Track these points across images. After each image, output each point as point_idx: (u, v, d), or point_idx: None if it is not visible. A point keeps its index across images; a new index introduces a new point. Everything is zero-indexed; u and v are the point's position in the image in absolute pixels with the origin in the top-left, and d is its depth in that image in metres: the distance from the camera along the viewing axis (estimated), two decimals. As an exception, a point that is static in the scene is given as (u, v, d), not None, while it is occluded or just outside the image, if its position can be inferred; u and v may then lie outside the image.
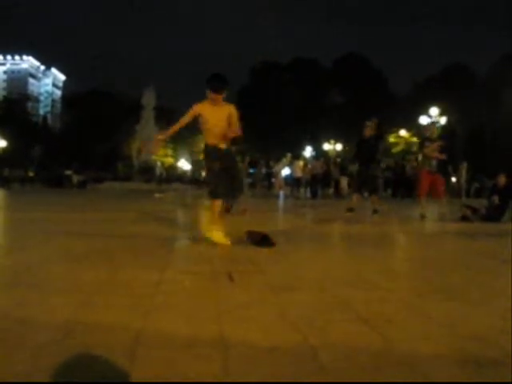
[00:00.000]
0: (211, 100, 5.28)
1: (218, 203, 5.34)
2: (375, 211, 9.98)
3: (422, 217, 9.33)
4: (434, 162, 9.43)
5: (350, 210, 9.91)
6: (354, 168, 13.09)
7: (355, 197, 10.30)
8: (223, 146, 5.38)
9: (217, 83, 5.27)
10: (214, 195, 5.34)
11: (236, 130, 5.35)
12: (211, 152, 5.38)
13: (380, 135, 10.72)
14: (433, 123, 12.08)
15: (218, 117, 5.32)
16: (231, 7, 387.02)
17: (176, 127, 5.46)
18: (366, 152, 10.14)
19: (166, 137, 5.83)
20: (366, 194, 11.24)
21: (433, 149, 9.45)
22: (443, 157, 9.38)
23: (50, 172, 42.60)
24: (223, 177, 5.33)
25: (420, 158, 10.39)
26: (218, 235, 5.25)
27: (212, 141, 5.39)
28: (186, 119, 5.42)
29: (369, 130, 10.14)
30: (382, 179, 24.15)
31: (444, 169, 9.59)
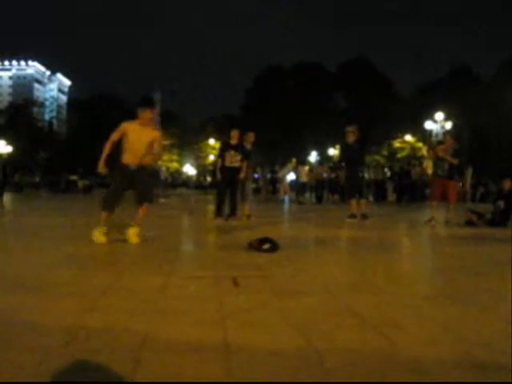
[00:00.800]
0: (144, 120, 5.80)
1: (105, 214, 5.85)
2: (364, 216, 10.00)
3: (429, 221, 9.29)
4: (447, 166, 9.35)
5: (352, 216, 9.89)
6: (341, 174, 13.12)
7: (353, 202, 10.28)
8: (135, 164, 5.80)
9: (152, 102, 6.21)
10: (102, 208, 5.88)
11: (158, 155, 6.11)
12: (120, 170, 5.84)
13: (362, 140, 10.76)
14: (447, 132, 12.00)
15: (141, 138, 5.77)
16: (231, 7, 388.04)
17: (108, 147, 5.85)
18: (352, 157, 10.24)
19: (104, 161, 5.96)
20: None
21: (444, 149, 9.40)
22: (455, 161, 9.32)
23: (56, 177, 42.73)
24: (120, 193, 5.91)
25: (425, 162, 10.38)
26: (98, 235, 5.72)
27: (127, 160, 5.82)
28: (115, 137, 5.85)
29: (351, 136, 10.20)
30: (393, 184, 24.19)
31: (453, 173, 9.47)
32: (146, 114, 5.78)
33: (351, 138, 10.23)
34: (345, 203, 12.85)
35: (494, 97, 44.37)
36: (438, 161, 9.63)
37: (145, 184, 5.95)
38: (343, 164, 11.21)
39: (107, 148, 5.82)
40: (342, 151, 10.96)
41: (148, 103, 6.00)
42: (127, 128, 5.81)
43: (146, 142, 5.75)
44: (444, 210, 9.86)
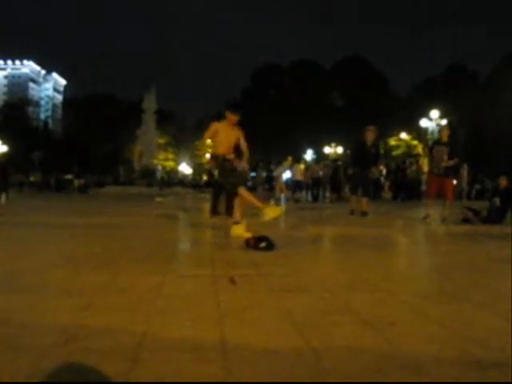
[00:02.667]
0: (231, 121, 6.74)
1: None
2: (364, 213, 10.05)
3: (425, 218, 9.33)
4: (444, 164, 9.41)
5: (352, 212, 9.98)
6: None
7: (354, 199, 10.35)
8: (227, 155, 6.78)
9: (239, 109, 7.13)
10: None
11: (245, 152, 6.94)
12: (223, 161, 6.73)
13: (378, 142, 10.78)
14: (445, 126, 11.90)
15: (229, 136, 6.76)
16: (231, 6, 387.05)
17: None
18: (366, 157, 10.26)
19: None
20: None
21: (442, 154, 9.45)
22: (452, 163, 9.37)
23: (51, 176, 42.59)
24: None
25: (421, 160, 10.42)
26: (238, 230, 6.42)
27: (222, 151, 6.70)
28: (209, 135, 6.87)
29: (370, 135, 10.22)
30: (388, 182, 24.25)
31: (449, 171, 9.52)
32: (234, 117, 6.72)
33: (370, 137, 10.23)
34: (344, 200, 12.89)
35: (490, 94, 44.49)
36: (434, 160, 9.67)
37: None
38: (349, 162, 11.27)
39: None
40: (358, 149, 10.90)
41: (237, 109, 7.13)
42: (217, 126, 6.76)
43: (233, 140, 6.77)
44: (440, 207, 9.89)
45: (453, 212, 9.71)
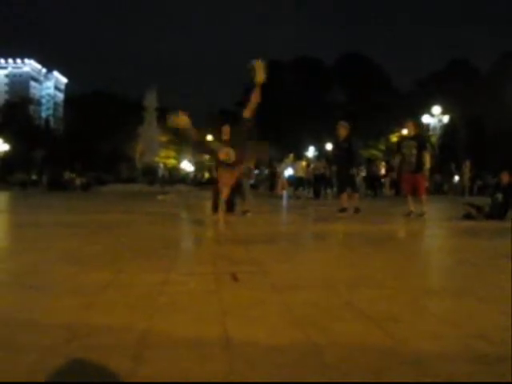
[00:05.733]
0: None
1: None
2: (357, 210, 10.03)
3: (408, 215, 9.40)
4: (413, 160, 9.47)
5: (343, 210, 9.94)
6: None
7: (343, 197, 10.32)
8: None
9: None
10: None
11: None
12: None
13: (351, 137, 10.58)
14: (412, 120, 11.75)
15: None
16: (230, 6, 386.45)
17: None
18: (340, 153, 10.27)
19: None
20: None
21: (411, 149, 9.52)
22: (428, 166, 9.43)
23: (53, 175, 42.55)
24: None
25: (397, 159, 10.32)
26: None
27: None
28: None
29: (341, 131, 10.17)
30: (389, 179, 24.25)
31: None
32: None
33: (340, 133, 10.22)
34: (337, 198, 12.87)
35: (493, 90, 44.38)
36: (404, 157, 9.74)
37: None
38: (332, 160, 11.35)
39: None
40: (333, 147, 11.17)
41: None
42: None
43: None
44: (417, 203, 9.87)
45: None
